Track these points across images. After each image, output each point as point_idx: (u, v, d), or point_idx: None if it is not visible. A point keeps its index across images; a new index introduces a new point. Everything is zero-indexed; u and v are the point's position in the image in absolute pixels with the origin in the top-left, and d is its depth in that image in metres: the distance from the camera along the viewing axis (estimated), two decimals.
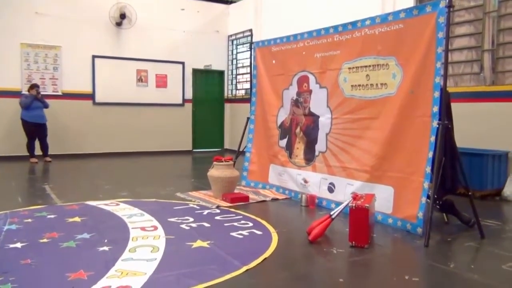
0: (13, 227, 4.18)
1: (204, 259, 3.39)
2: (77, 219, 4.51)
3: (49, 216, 4.63)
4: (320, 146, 5.41)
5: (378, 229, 4.16)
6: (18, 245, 3.64)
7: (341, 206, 3.99)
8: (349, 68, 4.99)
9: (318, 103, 5.46)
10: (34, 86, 9.09)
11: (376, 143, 4.61)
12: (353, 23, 4.97)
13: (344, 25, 5.09)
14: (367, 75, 4.77)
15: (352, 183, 4.88)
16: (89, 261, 3.27)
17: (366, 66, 4.79)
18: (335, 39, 5.21)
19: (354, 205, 3.67)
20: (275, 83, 6.14)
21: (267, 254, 3.47)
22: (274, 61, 6.20)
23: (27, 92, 9.13)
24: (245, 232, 4.09)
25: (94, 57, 10.23)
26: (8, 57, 9.36)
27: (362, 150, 4.81)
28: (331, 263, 3.43)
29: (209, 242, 3.74)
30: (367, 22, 4.78)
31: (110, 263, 3.20)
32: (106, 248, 3.57)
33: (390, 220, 4.33)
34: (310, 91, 5.58)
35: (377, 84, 4.66)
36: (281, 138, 6.04)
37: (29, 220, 4.46)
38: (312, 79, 5.55)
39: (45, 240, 3.80)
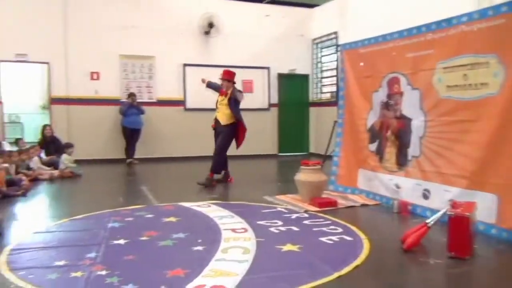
0: (116, 224, 4.51)
1: (295, 263, 3.40)
2: (172, 219, 4.75)
3: (147, 216, 4.92)
4: (413, 150, 5.16)
5: (480, 239, 3.86)
6: (122, 241, 3.92)
7: (439, 214, 3.77)
8: (444, 68, 4.71)
9: (410, 105, 5.22)
10: (130, 95, 9.81)
11: (476, 147, 4.29)
12: (448, 20, 4.69)
13: (438, 23, 4.82)
14: (465, 75, 4.46)
15: (449, 190, 4.59)
16: (185, 260, 3.42)
17: (463, 65, 4.49)
18: (428, 38, 4.95)
19: (453, 213, 3.45)
20: (364, 85, 5.99)
21: (359, 261, 3.38)
22: (362, 63, 6.05)
23: (125, 100, 9.85)
24: (335, 238, 4.03)
25: (185, 65, 10.74)
26: (109, 68, 10.15)
27: (460, 154, 4.51)
28: (428, 274, 3.25)
29: (299, 246, 3.73)
30: (464, 19, 4.49)
31: (204, 263, 3.32)
32: (200, 248, 3.72)
33: (494, 231, 4.00)
34: (402, 93, 5.35)
35: (476, 84, 4.35)
36: (371, 142, 5.87)
37: (130, 218, 4.77)
38: (403, 80, 5.33)
39: (145, 238, 4.04)
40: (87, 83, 10.00)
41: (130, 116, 9.71)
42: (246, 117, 11.12)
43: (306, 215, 4.95)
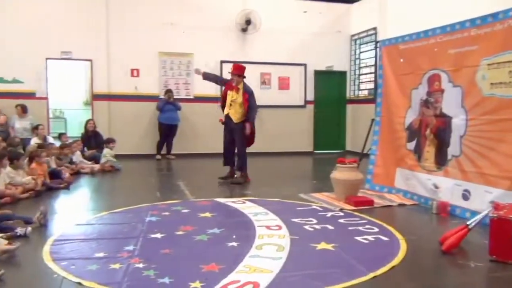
0: (154, 219, 4.61)
1: (329, 262, 3.37)
2: (208, 214, 4.81)
3: (183, 211, 5.01)
4: (453, 149, 5.01)
5: None
6: (158, 235, 4.01)
7: (480, 216, 3.65)
8: (489, 65, 4.54)
9: (451, 103, 5.07)
10: (167, 91, 9.99)
11: None
12: (495, 15, 4.51)
13: (484, 18, 4.65)
14: (510, 71, 4.29)
15: (491, 191, 4.43)
16: (219, 255, 3.46)
17: (509, 62, 4.31)
18: (472, 33, 4.78)
19: (496, 215, 3.32)
20: (403, 82, 5.85)
21: (395, 262, 3.32)
22: (402, 60, 5.91)
23: (163, 97, 10.04)
24: (370, 237, 3.97)
25: (222, 62, 10.83)
26: (149, 65, 10.36)
27: (504, 154, 4.34)
28: (468, 277, 3.16)
29: (333, 245, 3.71)
30: (511, 13, 4.30)
31: (239, 259, 3.35)
32: (234, 243, 3.75)
33: None
34: (442, 90, 5.20)
35: None
36: (409, 140, 5.73)
37: (167, 213, 4.87)
38: (444, 77, 5.17)
39: (180, 232, 4.12)
40: (127, 80, 10.26)
41: (167, 112, 9.89)
42: (281, 114, 11.25)
43: (341, 213, 4.90)
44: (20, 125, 9.01)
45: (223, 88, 7.16)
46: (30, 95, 9.55)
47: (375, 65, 10.23)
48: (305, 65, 11.42)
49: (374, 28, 10.57)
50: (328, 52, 11.49)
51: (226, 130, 7.03)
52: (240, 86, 6.77)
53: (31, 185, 5.73)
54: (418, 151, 5.57)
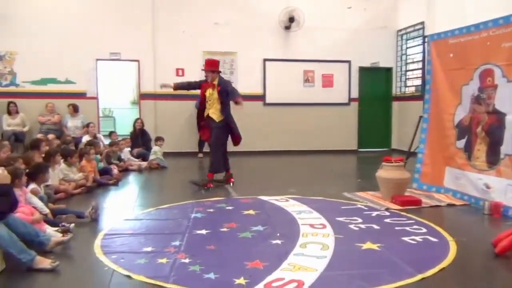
0: (199, 215, 4.70)
1: (375, 262, 3.31)
2: (251, 212, 4.84)
3: (227, 208, 5.07)
4: (506, 148, 4.78)
5: None
6: (203, 231, 4.08)
7: None
8: None
9: (505, 99, 4.84)
10: None
11: None
12: None
13: None
14: None
15: None
16: (263, 252, 3.48)
17: None
18: None
19: None
20: (453, 78, 5.64)
21: (444, 263, 3.21)
22: (451, 55, 5.69)
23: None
24: (418, 238, 3.86)
25: (265, 60, 10.84)
26: (193, 64, 10.48)
27: None
28: None
29: (379, 245, 3.63)
30: None
31: (283, 256, 3.35)
32: (278, 241, 3.76)
33: None
34: (495, 86, 4.97)
35: None
36: (459, 138, 5.52)
37: (211, 210, 4.95)
38: (498, 72, 4.94)
39: (225, 229, 4.17)
40: (173, 79, 10.40)
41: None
42: (325, 112, 11.14)
43: (387, 213, 4.80)
44: (72, 124, 9.41)
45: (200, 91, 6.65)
46: (81, 95, 9.95)
47: (423, 60, 9.91)
48: (349, 62, 11.24)
49: (422, 23, 10.25)
50: (373, 48, 11.24)
51: (210, 129, 6.53)
52: (216, 82, 6.33)
53: (82, 181, 5.97)
54: (468, 150, 5.36)
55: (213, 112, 6.38)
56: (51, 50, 9.56)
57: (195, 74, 10.52)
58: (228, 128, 6.43)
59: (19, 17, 9.50)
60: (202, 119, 6.57)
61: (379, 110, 11.60)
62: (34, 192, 4.39)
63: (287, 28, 10.78)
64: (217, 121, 6.37)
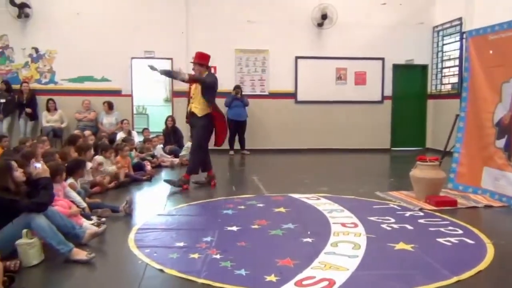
0: (230, 212, 4.73)
1: (408, 263, 3.25)
2: (282, 209, 4.83)
3: (258, 205, 5.08)
4: None
5: None
6: (234, 228, 4.10)
7: None
8: None
9: None
10: (235, 87, 10.11)
11: None
12: None
13: None
14: None
15: None
16: (294, 250, 3.47)
17: None
18: None
19: None
20: (492, 76, 5.44)
21: (481, 266, 3.12)
22: (491, 51, 5.50)
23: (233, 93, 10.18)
24: (453, 240, 3.76)
25: (297, 58, 10.79)
26: (225, 62, 10.59)
27: None
28: None
29: (413, 245, 3.56)
30: None
31: (313, 255, 3.33)
32: (309, 239, 3.74)
33: None
34: None
35: None
36: (498, 137, 5.33)
37: (242, 207, 4.97)
38: None
39: (256, 226, 4.18)
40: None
41: (234, 108, 10.02)
42: (357, 110, 11.00)
43: (421, 213, 4.69)
44: (107, 121, 9.65)
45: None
46: (117, 92, 10.18)
47: (460, 57, 9.63)
48: (383, 59, 11.03)
49: (459, 19, 9.94)
50: (408, 45, 10.99)
51: (193, 130, 6.25)
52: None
53: (116, 176, 6.11)
54: (508, 150, 5.17)
55: (196, 106, 5.97)
56: (88, 49, 9.83)
57: (228, 72, 10.63)
58: (211, 126, 6.03)
59: (59, 17, 9.83)
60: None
61: (413, 109, 11.34)
62: (72, 187, 4.52)
63: (320, 25, 10.68)
64: (199, 115, 5.94)
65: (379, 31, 10.86)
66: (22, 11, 9.49)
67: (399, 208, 4.93)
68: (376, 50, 10.90)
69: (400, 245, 3.57)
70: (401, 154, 10.54)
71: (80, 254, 3.24)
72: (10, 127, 9.49)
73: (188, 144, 8.81)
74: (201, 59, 5.99)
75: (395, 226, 4.18)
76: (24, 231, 3.17)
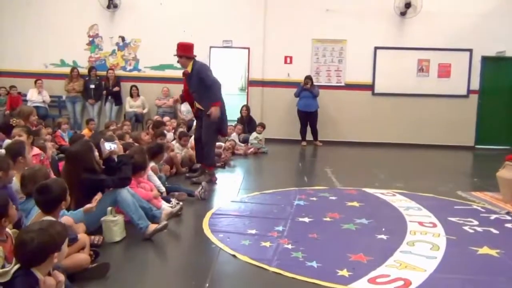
0: (301, 203, 4.71)
1: (492, 268, 3.05)
2: (355, 203, 4.72)
3: (330, 198, 5.00)
4: None
5: None
6: (306, 219, 4.08)
7: None
8: None
9: None
10: (305, 78, 9.95)
11: None
12: None
13: None
14: None
15: None
16: (368, 246, 3.38)
17: None
18: None
19: None
20: None
21: None
22: None
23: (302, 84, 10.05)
24: None
25: (376, 48, 10.41)
26: (302, 52, 10.49)
27: None
28: None
29: (498, 251, 3.32)
30: None
31: (388, 252, 3.23)
32: (384, 236, 3.62)
33: None
34: None
35: None
36: None
37: (314, 198, 4.92)
38: None
39: (328, 219, 4.13)
40: (281, 67, 10.55)
41: (303, 99, 9.90)
42: (440, 104, 10.41)
43: (508, 217, 4.36)
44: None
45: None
46: None
47: None
48: (470, 50, 10.31)
49: None
50: (500, 35, 10.16)
51: (198, 124, 5.96)
52: (189, 69, 5.67)
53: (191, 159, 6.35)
54: None
55: (201, 104, 5.75)
56: (170, 38, 10.15)
57: (304, 62, 10.53)
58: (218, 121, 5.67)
59: (144, 7, 10.29)
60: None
61: (503, 104, 10.51)
62: (153, 170, 4.74)
63: (403, 14, 10.21)
64: (204, 110, 5.66)
65: (468, 20, 10.15)
66: (111, 1, 10.05)
67: (483, 210, 4.62)
68: (463, 40, 10.21)
69: (484, 250, 3.35)
70: (487, 152, 9.85)
71: (154, 226, 3.44)
72: (98, 111, 10.18)
73: (254, 134, 8.88)
74: (186, 51, 5.70)
75: (479, 229, 3.92)
76: (109, 208, 3.39)
